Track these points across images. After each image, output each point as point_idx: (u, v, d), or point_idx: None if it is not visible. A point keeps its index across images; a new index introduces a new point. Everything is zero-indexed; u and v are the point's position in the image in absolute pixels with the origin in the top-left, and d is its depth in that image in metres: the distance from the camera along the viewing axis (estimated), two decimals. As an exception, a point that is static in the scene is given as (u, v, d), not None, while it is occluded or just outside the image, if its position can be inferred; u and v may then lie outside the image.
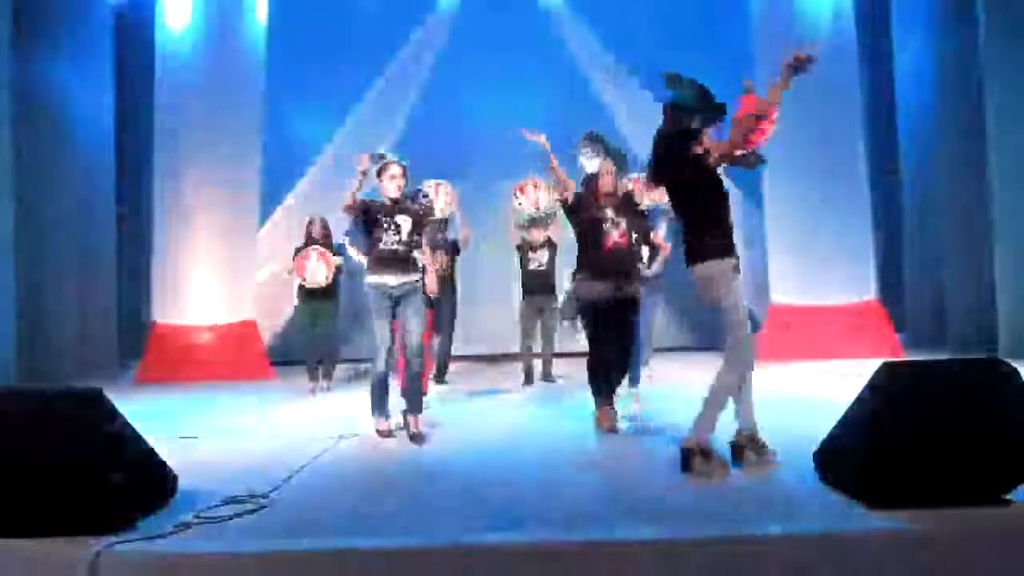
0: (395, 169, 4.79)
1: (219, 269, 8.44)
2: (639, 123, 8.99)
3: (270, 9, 8.85)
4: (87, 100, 8.94)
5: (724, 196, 3.78)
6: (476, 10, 9.15)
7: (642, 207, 6.01)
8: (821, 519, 2.91)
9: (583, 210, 4.94)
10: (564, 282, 7.29)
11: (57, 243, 8.32)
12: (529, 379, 7.23)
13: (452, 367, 7.64)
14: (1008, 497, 2.99)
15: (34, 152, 7.96)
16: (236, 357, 8.28)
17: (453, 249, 7.23)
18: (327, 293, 6.95)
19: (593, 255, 4.90)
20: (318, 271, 6.93)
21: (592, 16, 9.09)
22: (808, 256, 8.40)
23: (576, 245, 5.07)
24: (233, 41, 8.55)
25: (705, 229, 3.70)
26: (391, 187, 4.78)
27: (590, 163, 5.16)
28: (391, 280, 4.75)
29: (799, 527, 2.81)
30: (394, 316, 4.83)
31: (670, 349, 9.64)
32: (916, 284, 9.41)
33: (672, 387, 6.61)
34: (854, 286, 8.53)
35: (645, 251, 6.32)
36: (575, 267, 5.04)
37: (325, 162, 9.04)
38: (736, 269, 3.73)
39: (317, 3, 9.70)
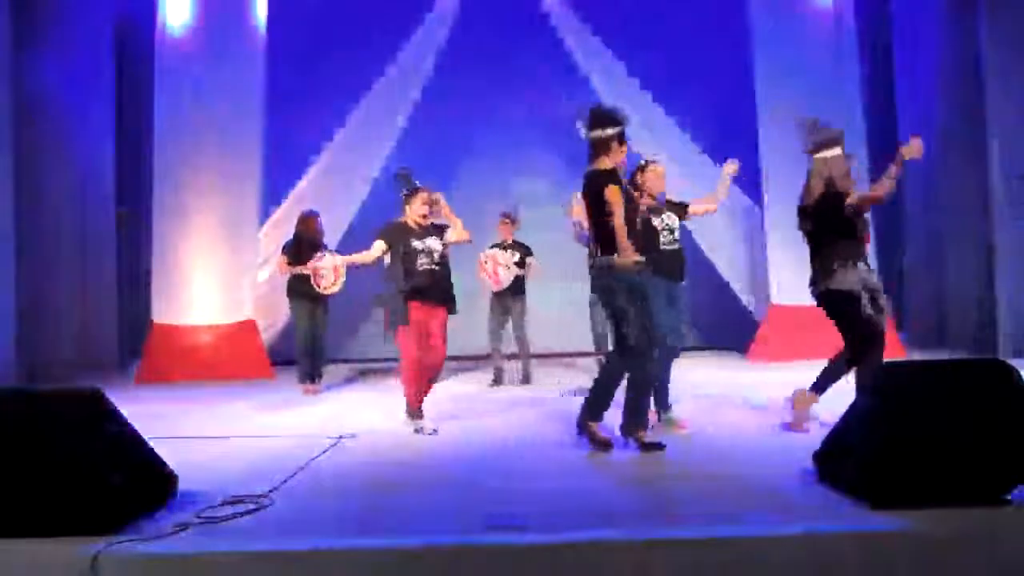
0: None
1: (219, 269, 8.43)
2: (638, 122, 9.01)
3: (270, 8, 8.83)
4: (87, 100, 8.93)
5: None
6: (476, 10, 9.14)
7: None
8: (821, 519, 2.91)
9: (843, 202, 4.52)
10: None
11: (57, 243, 8.31)
12: (498, 380, 7.14)
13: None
14: (1008, 497, 2.99)
15: (34, 152, 7.96)
16: (236, 357, 8.27)
17: None
18: (320, 294, 6.91)
19: (854, 242, 4.50)
20: (332, 281, 6.66)
21: (592, 16, 9.07)
22: (808, 256, 8.37)
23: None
24: (233, 41, 8.53)
25: None
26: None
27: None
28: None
29: (799, 527, 2.81)
30: None
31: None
32: (916, 284, 9.41)
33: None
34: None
35: None
36: (829, 257, 4.49)
37: (325, 162, 9.02)
38: None
39: (317, 3, 9.69)
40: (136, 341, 8.98)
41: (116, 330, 9.31)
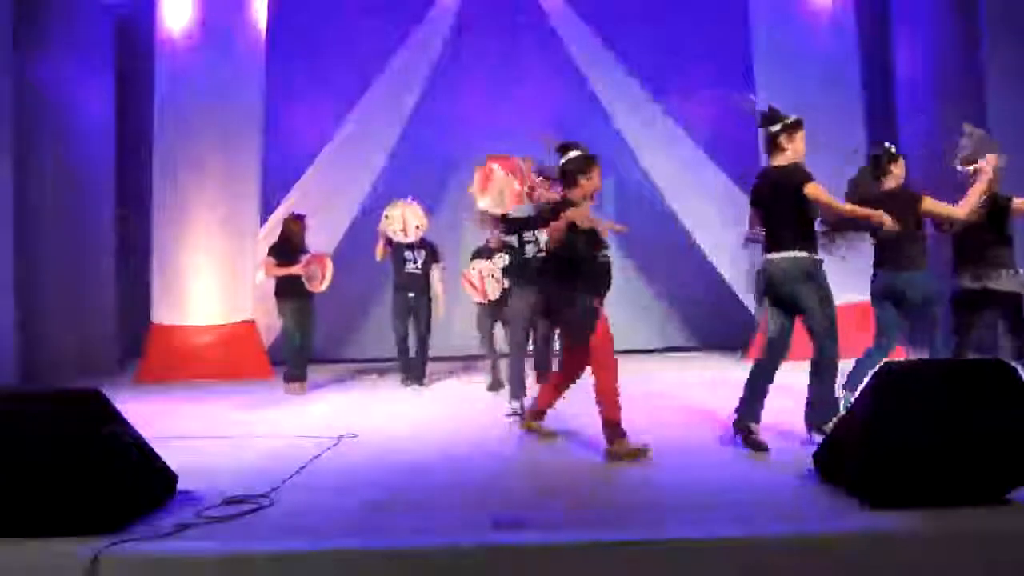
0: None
1: (219, 269, 8.43)
2: (638, 122, 9.02)
3: (270, 9, 8.84)
4: (87, 100, 8.93)
5: None
6: (476, 9, 9.14)
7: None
8: (821, 519, 2.91)
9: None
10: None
11: (57, 243, 8.31)
12: (493, 385, 6.89)
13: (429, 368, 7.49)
14: (1008, 497, 2.99)
15: (34, 152, 7.96)
16: (236, 357, 8.27)
17: (431, 254, 7.15)
18: (309, 293, 6.98)
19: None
20: (320, 279, 7.00)
21: (593, 15, 9.07)
22: (808, 256, 8.37)
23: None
24: (233, 41, 8.53)
25: None
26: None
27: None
28: None
29: (799, 527, 2.81)
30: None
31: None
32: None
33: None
34: (855, 286, 8.49)
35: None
36: (1008, 260, 5.01)
37: (325, 162, 9.02)
38: None
39: (317, 3, 9.69)
40: (136, 341, 8.98)
41: (116, 330, 9.31)
